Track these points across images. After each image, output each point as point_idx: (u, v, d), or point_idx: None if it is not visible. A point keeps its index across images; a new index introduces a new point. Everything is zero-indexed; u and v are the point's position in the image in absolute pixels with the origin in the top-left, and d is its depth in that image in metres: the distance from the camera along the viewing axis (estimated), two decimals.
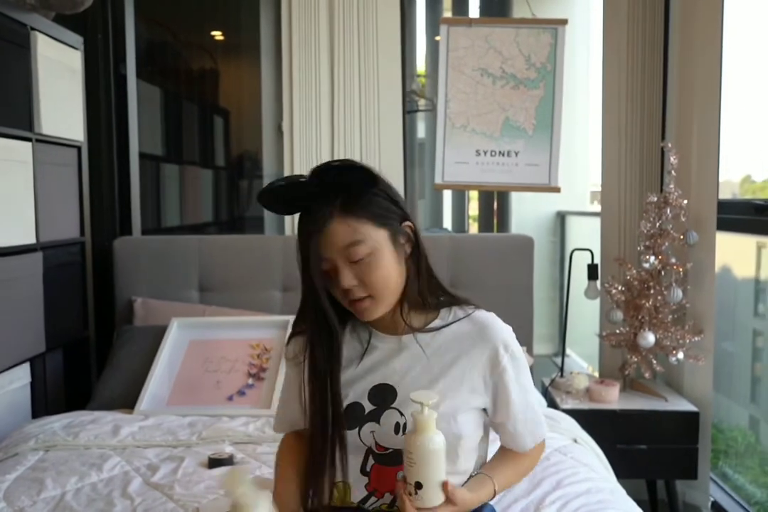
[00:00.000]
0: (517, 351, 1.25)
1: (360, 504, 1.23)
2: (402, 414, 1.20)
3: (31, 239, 2.33)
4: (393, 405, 1.22)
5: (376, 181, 1.17)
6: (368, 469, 1.22)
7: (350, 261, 1.16)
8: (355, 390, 1.24)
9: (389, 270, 1.18)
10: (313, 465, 1.24)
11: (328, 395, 1.22)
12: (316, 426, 1.24)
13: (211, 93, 3.60)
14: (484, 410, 1.27)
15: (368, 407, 1.23)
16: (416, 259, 1.23)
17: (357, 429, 1.22)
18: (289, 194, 1.18)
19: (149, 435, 2.05)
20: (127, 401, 2.31)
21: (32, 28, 2.32)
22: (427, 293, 1.25)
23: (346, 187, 1.15)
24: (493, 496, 1.25)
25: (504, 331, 1.26)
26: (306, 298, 1.24)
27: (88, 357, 2.85)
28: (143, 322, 2.66)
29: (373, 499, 1.23)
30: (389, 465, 1.21)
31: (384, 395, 1.23)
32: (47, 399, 2.49)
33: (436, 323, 1.26)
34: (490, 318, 1.27)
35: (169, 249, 2.81)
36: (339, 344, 1.24)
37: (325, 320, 1.22)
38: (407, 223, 1.22)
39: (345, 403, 1.23)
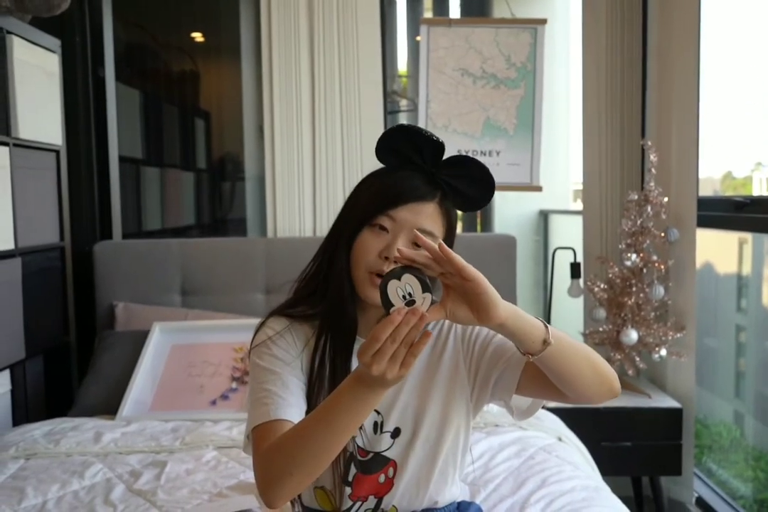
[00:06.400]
0: None
1: None
2: (379, 412, 1.19)
3: (9, 245, 2.30)
4: None
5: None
6: (350, 479, 1.19)
7: (412, 242, 1.13)
8: None
9: None
10: None
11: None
12: None
13: (192, 95, 3.57)
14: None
15: None
16: None
17: None
18: (429, 149, 1.15)
19: (131, 441, 2.03)
20: (109, 407, 2.29)
21: (8, 32, 2.29)
22: None
23: (465, 194, 1.20)
24: (546, 332, 1.05)
25: None
26: (332, 274, 1.16)
27: (69, 364, 2.82)
28: (125, 327, 2.64)
29: (357, 504, 1.21)
30: (370, 472, 1.19)
31: None
32: (28, 407, 2.46)
33: None
34: None
35: (151, 252, 2.78)
36: (353, 339, 1.17)
37: (348, 307, 1.14)
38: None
39: None
